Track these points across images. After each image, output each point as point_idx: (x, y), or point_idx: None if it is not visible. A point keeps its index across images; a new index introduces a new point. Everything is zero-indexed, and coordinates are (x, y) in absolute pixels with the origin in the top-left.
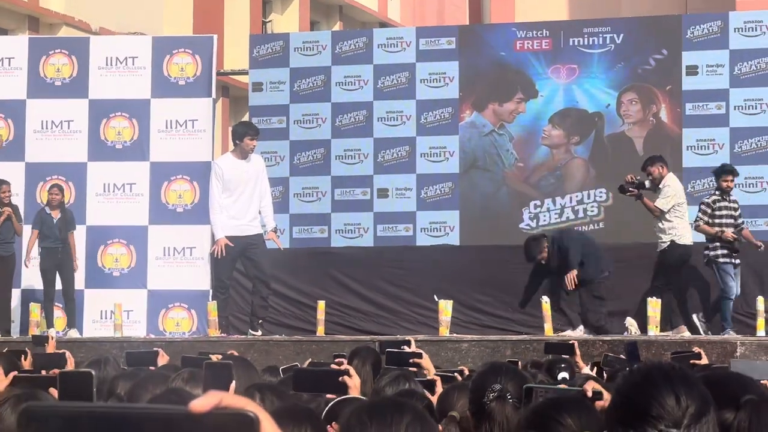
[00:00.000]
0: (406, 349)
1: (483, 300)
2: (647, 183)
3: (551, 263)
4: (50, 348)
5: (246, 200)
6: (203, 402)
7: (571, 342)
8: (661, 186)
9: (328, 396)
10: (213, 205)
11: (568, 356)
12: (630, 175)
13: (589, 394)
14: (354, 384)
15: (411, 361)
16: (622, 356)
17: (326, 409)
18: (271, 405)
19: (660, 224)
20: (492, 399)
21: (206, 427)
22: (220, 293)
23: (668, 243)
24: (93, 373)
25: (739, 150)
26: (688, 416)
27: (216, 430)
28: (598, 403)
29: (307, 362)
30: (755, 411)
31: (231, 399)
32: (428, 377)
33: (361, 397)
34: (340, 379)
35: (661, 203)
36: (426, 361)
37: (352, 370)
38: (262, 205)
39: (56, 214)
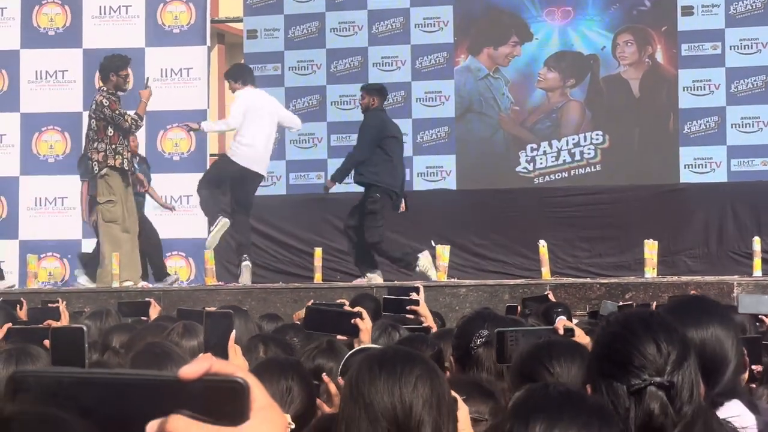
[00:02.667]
0: (414, 296)
1: (481, 244)
2: None
3: None
4: (63, 320)
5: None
6: (193, 369)
7: (545, 293)
8: None
9: (339, 337)
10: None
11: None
12: None
13: (561, 331)
14: (366, 327)
15: (408, 308)
16: (620, 302)
17: (343, 360)
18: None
19: None
20: (479, 345)
21: (196, 394)
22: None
23: None
24: (84, 329)
25: (735, 90)
26: (670, 363)
27: (206, 397)
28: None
29: (309, 302)
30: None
31: (220, 365)
32: (425, 325)
33: (376, 346)
34: (353, 321)
35: None
36: (423, 309)
37: (365, 313)
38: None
39: None
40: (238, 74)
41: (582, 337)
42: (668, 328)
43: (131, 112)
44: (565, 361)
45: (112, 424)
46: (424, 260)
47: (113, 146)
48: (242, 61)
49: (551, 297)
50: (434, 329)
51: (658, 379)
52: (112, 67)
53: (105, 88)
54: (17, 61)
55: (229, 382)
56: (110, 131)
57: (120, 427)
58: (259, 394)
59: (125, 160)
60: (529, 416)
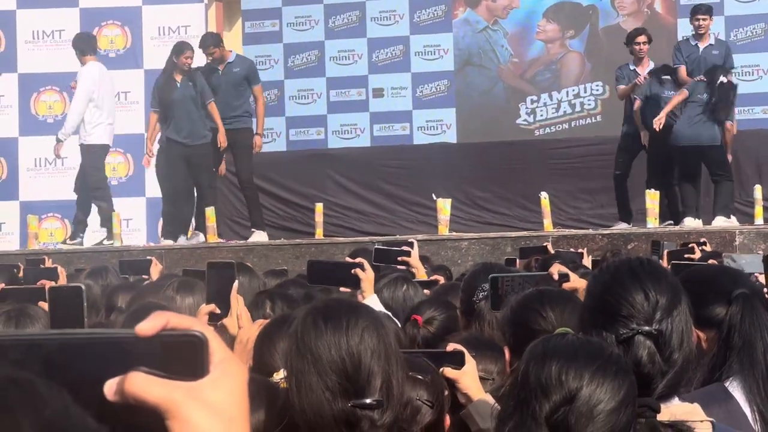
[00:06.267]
0: (406, 249)
1: (482, 197)
2: None
3: None
4: (62, 281)
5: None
6: (149, 325)
7: (544, 244)
8: None
9: (342, 289)
10: None
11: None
12: None
13: (555, 276)
14: (367, 277)
15: (399, 259)
16: (572, 250)
17: None
18: (280, 312)
19: None
20: (482, 298)
21: (154, 350)
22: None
23: None
24: (83, 287)
25: (735, 38)
26: (659, 311)
27: (164, 352)
28: (566, 285)
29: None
30: (747, 304)
31: (178, 320)
32: (417, 276)
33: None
34: (353, 271)
35: None
36: (414, 260)
37: (366, 264)
38: None
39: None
40: (86, 44)
41: (577, 281)
42: (657, 276)
43: None
44: (558, 305)
45: (71, 384)
46: None
47: None
48: (240, 19)
49: (549, 248)
50: (441, 281)
51: (645, 328)
52: None
53: None
54: (14, 21)
55: (186, 337)
56: None
57: (79, 386)
58: (217, 348)
59: None
60: (545, 358)
